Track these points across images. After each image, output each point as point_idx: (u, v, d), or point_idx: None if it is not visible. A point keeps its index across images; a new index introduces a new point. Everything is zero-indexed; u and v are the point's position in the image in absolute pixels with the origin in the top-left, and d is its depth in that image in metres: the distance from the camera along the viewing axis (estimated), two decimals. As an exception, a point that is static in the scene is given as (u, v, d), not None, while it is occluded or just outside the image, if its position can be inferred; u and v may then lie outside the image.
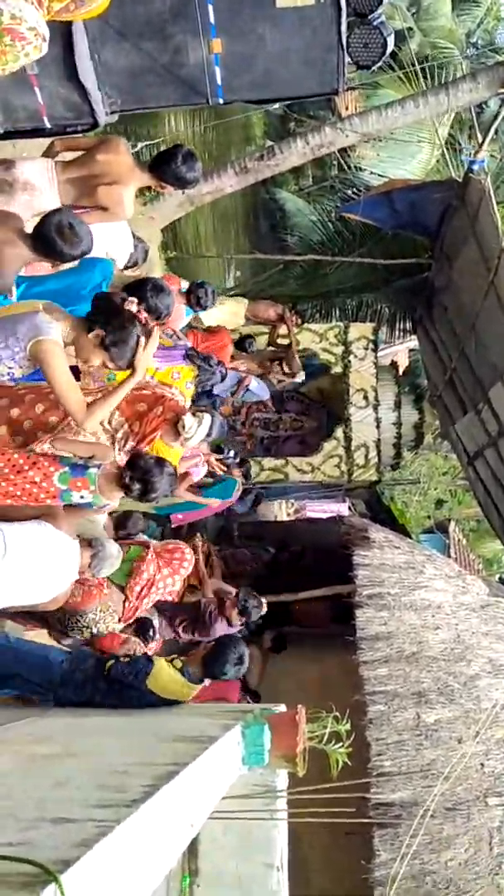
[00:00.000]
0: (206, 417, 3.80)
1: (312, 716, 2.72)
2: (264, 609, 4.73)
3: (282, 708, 2.83)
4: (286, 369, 7.30)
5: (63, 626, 3.67)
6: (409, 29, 12.48)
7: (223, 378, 4.91)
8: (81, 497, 2.99)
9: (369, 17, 3.85)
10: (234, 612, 4.65)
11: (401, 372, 8.45)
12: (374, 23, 3.88)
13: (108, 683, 3.05)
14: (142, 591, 3.90)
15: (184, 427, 3.62)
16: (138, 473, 3.12)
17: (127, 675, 3.02)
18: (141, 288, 3.29)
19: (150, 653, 3.77)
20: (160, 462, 3.20)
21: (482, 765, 4.37)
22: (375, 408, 7.47)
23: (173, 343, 4.41)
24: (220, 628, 4.62)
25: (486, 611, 4.92)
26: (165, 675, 3.05)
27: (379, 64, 4.12)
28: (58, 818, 1.23)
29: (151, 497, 3.14)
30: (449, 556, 11.39)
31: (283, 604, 5.88)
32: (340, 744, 2.66)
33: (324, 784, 2.49)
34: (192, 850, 2.46)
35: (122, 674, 3.04)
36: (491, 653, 4.75)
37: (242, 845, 2.45)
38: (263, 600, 4.73)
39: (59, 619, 3.65)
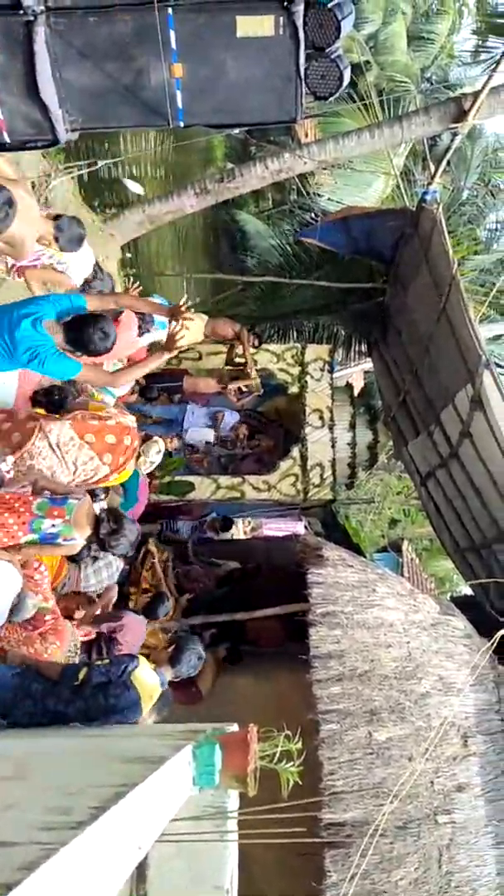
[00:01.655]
0: (161, 443, 3.99)
1: (264, 735, 2.72)
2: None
3: (234, 727, 2.82)
4: (243, 388, 7.38)
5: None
6: (367, 62, 12.90)
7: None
8: (53, 526, 3.07)
9: (327, 51, 3.98)
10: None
11: (356, 393, 8.60)
12: (332, 56, 4.02)
13: (74, 691, 3.01)
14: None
15: (149, 462, 3.79)
16: (113, 514, 3.41)
17: (115, 673, 3.03)
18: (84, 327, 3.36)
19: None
20: (133, 521, 3.48)
21: (432, 782, 4.42)
22: (331, 428, 7.57)
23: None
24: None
25: (436, 629, 5.01)
26: (147, 671, 3.11)
27: (336, 95, 4.26)
28: (1, 842, 1.21)
29: (115, 544, 3.34)
30: (402, 575, 11.55)
31: (238, 622, 5.87)
32: (291, 763, 2.66)
33: (275, 804, 2.49)
34: (141, 873, 2.42)
35: (108, 674, 3.03)
36: (441, 670, 4.82)
37: (192, 868, 2.42)
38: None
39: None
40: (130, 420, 3.76)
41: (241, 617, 5.79)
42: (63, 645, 3.48)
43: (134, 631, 4.52)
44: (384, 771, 4.29)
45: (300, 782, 2.74)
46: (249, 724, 2.76)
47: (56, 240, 3.77)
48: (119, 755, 2.32)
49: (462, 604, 6.22)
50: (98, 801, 1.48)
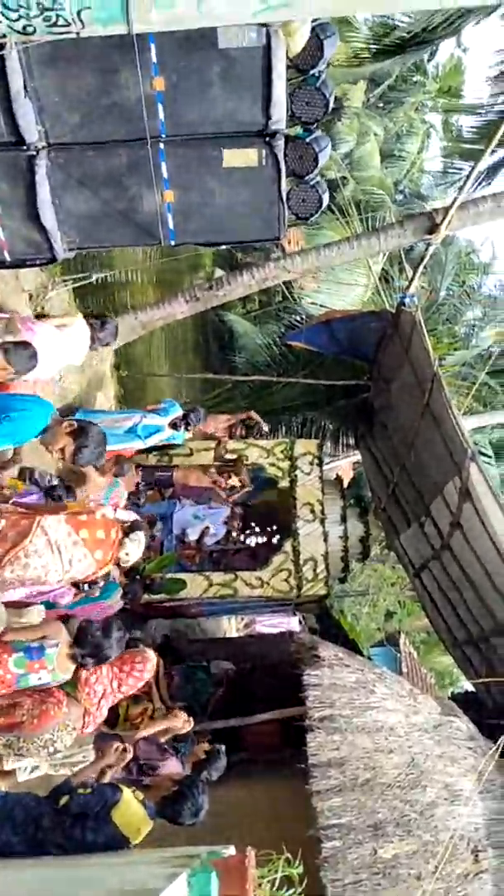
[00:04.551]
0: (140, 535, 3.90)
1: (263, 858, 2.58)
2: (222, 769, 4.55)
3: (230, 850, 2.67)
4: (235, 482, 7.45)
5: (17, 751, 3.46)
6: (344, 178, 13.94)
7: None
8: (39, 678, 3.04)
9: (306, 178, 4.35)
10: (199, 757, 4.46)
11: (345, 485, 8.70)
12: (311, 183, 4.38)
13: (55, 817, 2.85)
14: (100, 702, 3.72)
15: (126, 554, 3.70)
16: (88, 649, 3.26)
17: (93, 807, 2.85)
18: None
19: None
20: (105, 629, 3.33)
21: (443, 904, 4.14)
22: (322, 521, 7.59)
23: None
24: (173, 765, 4.42)
25: (438, 731, 4.84)
26: (133, 807, 2.91)
27: (316, 217, 4.61)
28: None
29: (104, 661, 3.26)
30: (400, 670, 11.20)
31: (233, 728, 5.65)
32: (293, 890, 2.52)
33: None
34: None
35: (86, 806, 2.86)
36: (446, 777, 4.62)
37: None
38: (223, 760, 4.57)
39: (9, 744, 3.44)
40: (110, 511, 3.75)
41: (236, 723, 5.58)
42: (38, 727, 3.31)
43: (172, 772, 4.34)
44: (392, 893, 4.03)
45: (302, 911, 2.58)
46: (245, 843, 2.63)
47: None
48: (108, 889, 2.18)
49: (463, 701, 6.04)
50: (89, 945, 1.40)
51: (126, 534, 3.82)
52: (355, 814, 4.23)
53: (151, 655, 4.07)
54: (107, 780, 3.43)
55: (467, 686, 8.78)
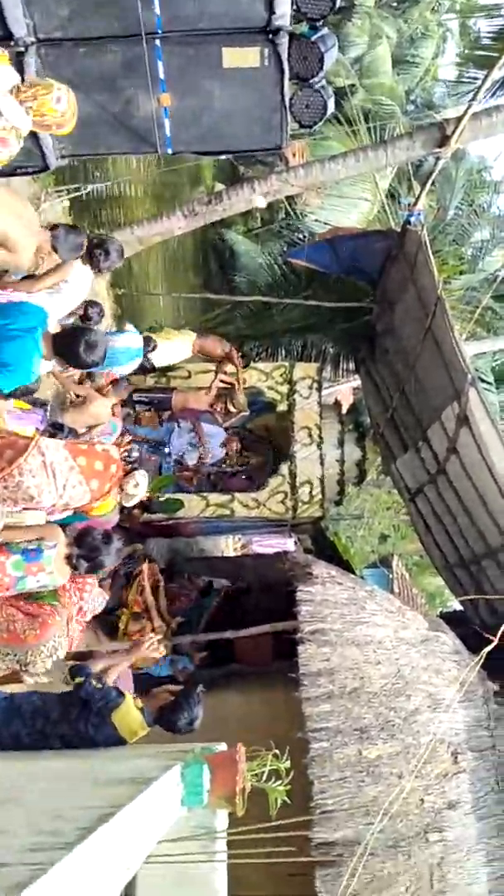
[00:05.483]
0: (144, 474, 3.96)
1: (252, 754, 2.74)
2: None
3: (222, 746, 2.84)
4: (231, 407, 7.45)
5: (26, 664, 3.62)
6: (353, 85, 13.16)
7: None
8: (38, 581, 3.08)
9: (310, 81, 4.10)
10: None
11: (344, 410, 8.68)
12: (316, 87, 4.13)
13: (63, 707, 3.01)
14: (78, 612, 3.81)
15: (136, 485, 3.74)
16: (85, 550, 3.26)
17: (97, 700, 3.02)
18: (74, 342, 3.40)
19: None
20: (107, 537, 3.33)
21: (422, 800, 4.43)
22: (319, 445, 7.62)
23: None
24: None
25: (425, 645, 5.04)
26: (132, 713, 3.06)
27: (320, 124, 4.38)
28: (-10, 864, 1.23)
29: (98, 571, 3.29)
30: (392, 591, 11.58)
31: (226, 641, 5.88)
32: (280, 781, 2.69)
33: (264, 824, 2.51)
34: (129, 894, 2.43)
35: (92, 696, 3.03)
36: (430, 687, 4.85)
37: (181, 889, 2.43)
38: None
39: (18, 660, 3.60)
40: (115, 452, 3.76)
41: (230, 635, 5.80)
42: (41, 636, 3.45)
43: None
44: (374, 789, 4.31)
45: (289, 801, 2.76)
46: (238, 743, 2.78)
47: (55, 249, 3.71)
48: (108, 777, 2.34)
49: (451, 619, 6.27)
50: (86, 822, 1.51)
51: (129, 472, 3.88)
52: (342, 718, 4.46)
53: (95, 582, 4.12)
54: (110, 682, 3.61)
55: (456, 605, 9.09)
